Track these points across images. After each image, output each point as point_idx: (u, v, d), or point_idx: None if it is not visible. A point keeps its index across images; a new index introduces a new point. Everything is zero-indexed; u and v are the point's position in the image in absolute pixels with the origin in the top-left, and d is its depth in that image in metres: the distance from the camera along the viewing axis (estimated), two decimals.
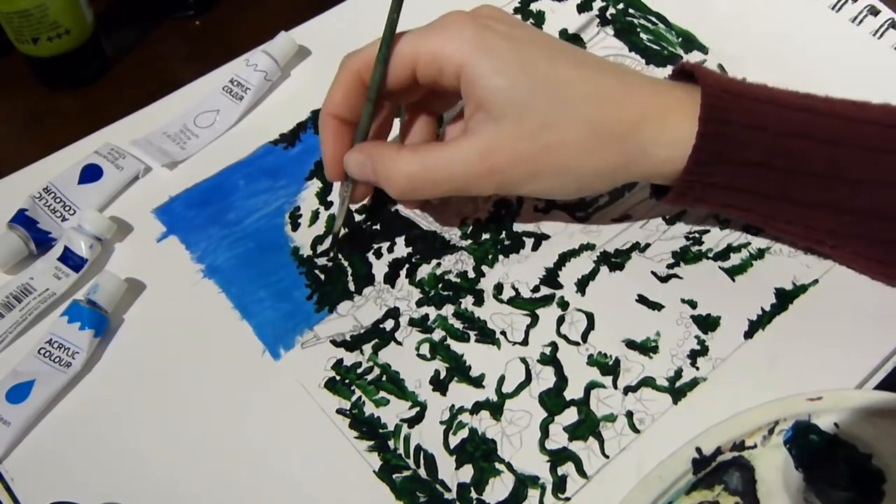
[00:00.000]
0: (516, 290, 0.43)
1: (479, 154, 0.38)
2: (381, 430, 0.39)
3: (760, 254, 0.44)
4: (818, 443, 0.35)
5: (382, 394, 0.40)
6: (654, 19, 0.55)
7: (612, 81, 0.39)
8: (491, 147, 0.38)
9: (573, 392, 0.40)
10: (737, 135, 0.37)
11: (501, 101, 0.37)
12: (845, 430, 0.35)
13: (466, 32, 0.38)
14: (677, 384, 0.40)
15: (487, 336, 0.42)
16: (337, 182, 0.44)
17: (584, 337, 0.42)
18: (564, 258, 0.44)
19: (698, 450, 0.35)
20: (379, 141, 0.43)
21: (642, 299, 0.43)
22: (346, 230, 0.45)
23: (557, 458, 0.38)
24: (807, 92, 0.39)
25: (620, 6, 0.56)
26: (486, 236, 0.45)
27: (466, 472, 0.38)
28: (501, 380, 0.41)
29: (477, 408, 0.40)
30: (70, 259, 0.44)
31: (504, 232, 0.46)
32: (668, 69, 0.52)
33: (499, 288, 0.44)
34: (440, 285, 0.44)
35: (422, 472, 0.38)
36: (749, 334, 0.41)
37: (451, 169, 0.39)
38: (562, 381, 0.40)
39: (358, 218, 0.47)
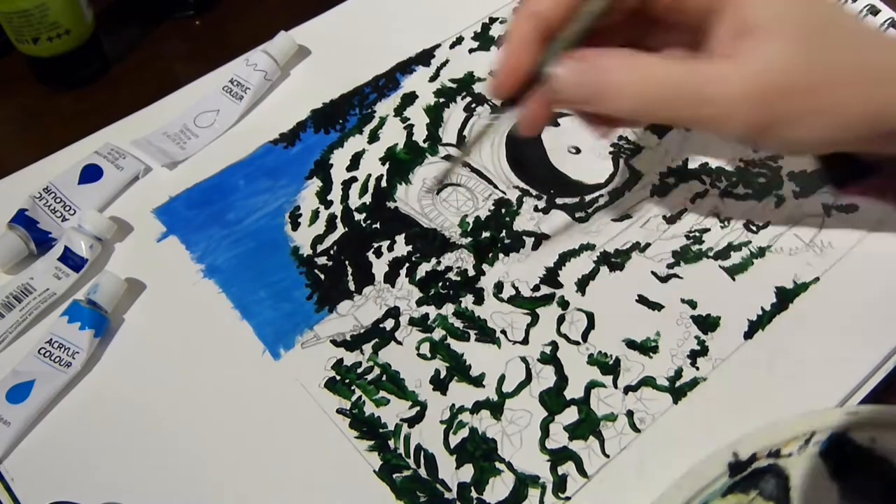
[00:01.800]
0: (516, 289, 0.43)
1: (752, 75, 0.31)
2: (381, 430, 0.39)
3: (761, 252, 0.44)
4: (853, 455, 0.35)
5: (382, 393, 0.40)
6: None
7: (876, 29, 0.34)
8: (762, 72, 0.32)
9: (573, 391, 0.40)
10: None
11: (780, 21, 0.32)
12: (881, 444, 0.35)
13: None
14: (677, 384, 0.40)
15: (488, 335, 0.42)
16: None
17: (585, 336, 0.42)
18: (564, 258, 0.44)
19: (735, 454, 0.35)
20: (602, 49, 0.34)
21: (642, 299, 0.43)
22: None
23: (558, 457, 0.38)
24: None
25: None
26: (486, 234, 0.45)
27: (467, 472, 0.38)
28: (502, 379, 0.41)
29: (477, 407, 0.40)
30: (70, 259, 0.44)
31: (504, 231, 0.46)
32: None
33: (499, 287, 0.44)
34: (440, 284, 0.44)
35: (422, 471, 0.38)
36: (749, 334, 0.41)
37: (712, 87, 0.32)
38: (562, 380, 0.40)
39: (358, 217, 0.47)
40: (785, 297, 0.42)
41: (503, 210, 0.46)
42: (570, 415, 0.39)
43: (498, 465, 0.38)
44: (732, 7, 0.32)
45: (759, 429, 0.35)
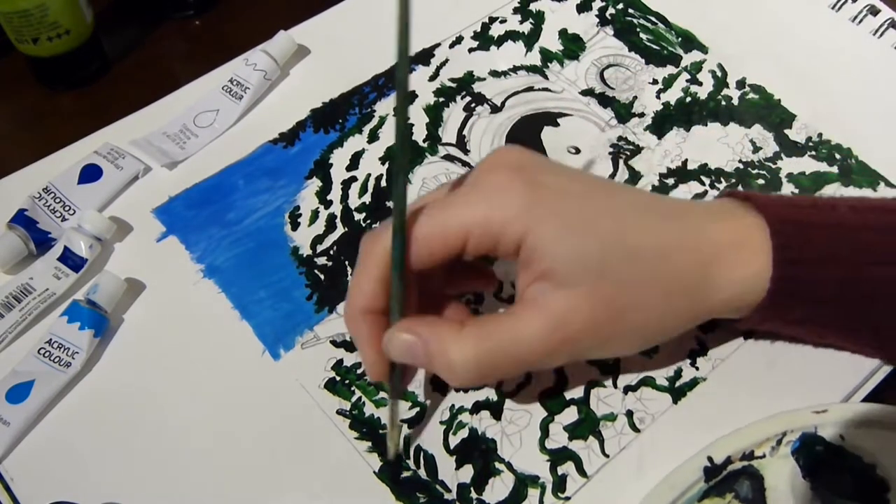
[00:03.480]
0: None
1: (553, 326, 0.33)
2: (381, 431, 0.39)
3: None
4: (824, 453, 0.36)
5: (382, 394, 0.40)
6: (653, 19, 0.55)
7: (677, 227, 0.36)
8: (565, 317, 0.33)
9: (573, 391, 0.40)
10: (810, 274, 0.35)
11: (572, 268, 0.33)
12: (850, 441, 0.36)
13: (519, 193, 0.33)
14: (677, 384, 0.40)
15: None
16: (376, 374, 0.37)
17: None
18: None
19: (709, 458, 0.36)
20: (428, 316, 0.36)
21: None
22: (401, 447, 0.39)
23: (557, 457, 0.38)
24: (861, 196, 0.37)
25: (620, 6, 0.56)
26: None
27: (466, 472, 0.38)
28: None
29: (477, 407, 0.40)
30: (70, 259, 0.44)
31: None
32: (668, 69, 0.52)
33: (499, 286, 0.44)
34: None
35: (422, 472, 0.38)
36: (749, 334, 0.41)
37: (521, 347, 0.34)
38: (562, 380, 0.40)
39: (358, 216, 0.47)
40: None
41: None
42: (570, 415, 0.39)
43: (498, 465, 0.38)
44: (535, 254, 0.33)
45: (732, 432, 0.36)
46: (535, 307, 0.34)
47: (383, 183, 0.48)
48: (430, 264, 0.34)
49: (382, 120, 0.50)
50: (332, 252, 0.45)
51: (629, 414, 0.39)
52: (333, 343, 0.42)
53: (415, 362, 0.35)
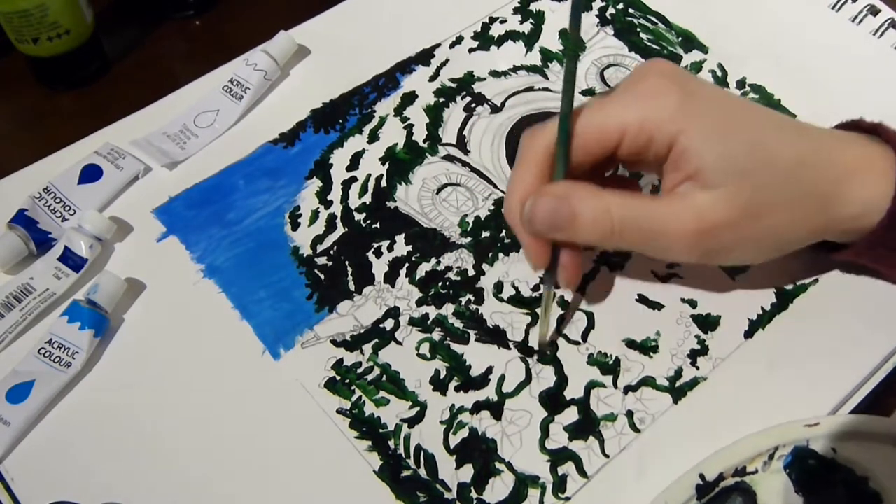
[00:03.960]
0: (516, 288, 0.43)
1: (694, 216, 0.36)
2: (381, 430, 0.39)
3: None
4: (817, 467, 0.36)
5: (382, 394, 0.40)
6: (653, 19, 0.55)
7: (811, 144, 0.38)
8: (706, 211, 0.36)
9: (573, 391, 0.40)
10: None
11: (718, 169, 0.36)
12: (842, 454, 0.36)
13: (674, 98, 0.36)
14: (677, 384, 0.40)
15: (488, 335, 0.42)
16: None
17: (585, 336, 0.42)
18: None
19: (701, 476, 0.36)
20: (574, 181, 0.38)
21: (642, 299, 0.43)
22: (555, 333, 0.41)
23: (558, 457, 0.38)
24: None
25: (620, 6, 0.56)
26: (486, 234, 0.45)
27: (466, 472, 0.38)
28: (501, 379, 0.41)
29: (477, 407, 0.40)
30: (70, 259, 0.44)
31: (504, 230, 0.46)
32: None
33: (499, 286, 0.44)
34: (440, 284, 0.44)
35: (422, 472, 0.38)
36: (749, 334, 0.41)
37: (661, 223, 0.36)
38: (562, 380, 0.40)
39: (358, 217, 0.47)
40: (785, 298, 0.42)
41: (503, 209, 0.46)
42: (570, 415, 0.39)
43: (498, 465, 0.38)
44: (685, 154, 0.36)
45: (724, 448, 0.36)
46: (679, 198, 0.36)
47: (383, 183, 0.48)
48: (585, 160, 0.37)
49: (382, 120, 0.50)
50: (332, 252, 0.45)
51: (629, 414, 0.39)
52: (333, 343, 0.42)
53: (559, 225, 0.37)
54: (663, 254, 0.38)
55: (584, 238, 0.37)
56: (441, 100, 0.51)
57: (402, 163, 0.49)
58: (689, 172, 0.36)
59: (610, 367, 0.41)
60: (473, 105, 0.51)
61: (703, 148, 0.36)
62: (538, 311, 0.42)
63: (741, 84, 0.51)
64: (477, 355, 0.41)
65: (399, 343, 0.42)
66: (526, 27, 0.55)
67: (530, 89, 0.52)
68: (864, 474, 0.36)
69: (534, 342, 0.41)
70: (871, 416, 0.37)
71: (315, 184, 0.48)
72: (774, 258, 0.39)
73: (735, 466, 0.36)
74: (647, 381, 0.40)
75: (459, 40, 0.54)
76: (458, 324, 0.42)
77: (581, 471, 0.38)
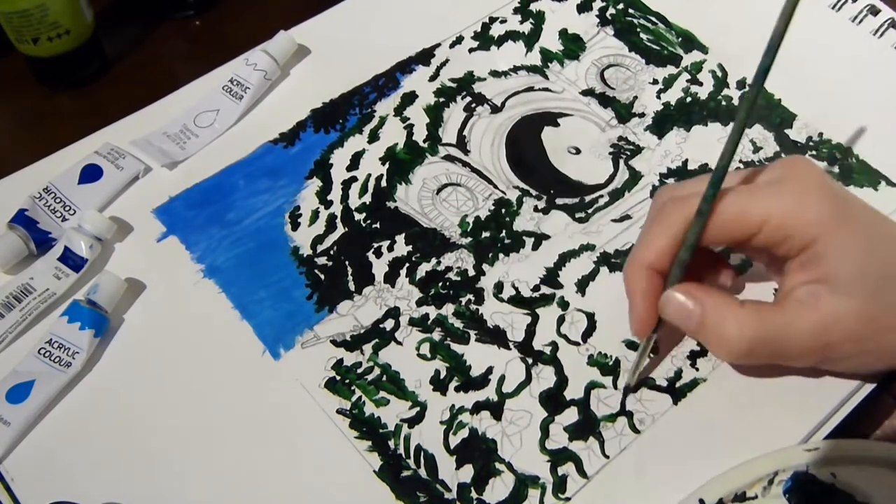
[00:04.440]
0: (517, 289, 0.43)
1: (822, 328, 0.36)
2: (381, 430, 0.39)
3: None
4: (816, 492, 0.36)
5: (382, 394, 0.40)
6: (653, 19, 0.55)
7: None
8: (829, 323, 0.36)
9: (573, 392, 0.40)
10: None
11: (853, 281, 0.35)
12: (842, 479, 0.36)
13: (824, 201, 0.36)
14: (677, 385, 0.40)
15: (488, 335, 0.42)
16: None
17: (585, 337, 0.42)
18: (564, 258, 0.44)
19: (701, 501, 0.36)
20: (709, 287, 0.38)
21: None
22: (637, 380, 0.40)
23: (558, 458, 0.38)
24: None
25: (620, 6, 0.56)
26: (486, 234, 0.45)
27: (466, 472, 0.38)
28: (501, 379, 0.41)
29: (477, 408, 0.40)
30: (70, 259, 0.44)
31: (504, 230, 0.46)
32: (668, 69, 0.52)
33: (499, 287, 0.44)
34: (440, 284, 0.44)
35: (422, 472, 0.38)
36: None
37: (789, 340, 0.36)
38: (562, 380, 0.40)
39: (358, 217, 0.47)
40: None
41: (503, 210, 0.46)
42: (570, 415, 0.39)
43: (498, 465, 0.38)
44: (822, 259, 0.36)
45: (724, 473, 0.36)
46: (808, 307, 0.36)
47: (383, 183, 0.48)
48: (720, 243, 0.38)
49: (383, 120, 0.50)
50: (332, 252, 0.45)
51: (629, 415, 0.39)
52: (333, 343, 0.42)
53: (684, 325, 0.37)
54: (787, 363, 0.38)
55: (710, 348, 0.38)
56: (441, 100, 0.51)
57: (402, 163, 0.49)
58: (818, 276, 0.36)
59: (610, 368, 0.41)
60: (473, 105, 0.51)
61: (842, 256, 0.35)
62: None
63: (741, 84, 0.51)
64: (477, 355, 0.41)
65: (399, 343, 0.42)
66: (526, 27, 0.55)
67: (530, 89, 0.52)
68: (864, 500, 0.35)
69: (621, 381, 0.40)
70: (870, 441, 0.37)
71: (315, 184, 0.48)
72: (883, 371, 0.39)
73: (735, 492, 0.36)
74: (647, 382, 0.40)
75: (459, 40, 0.54)
76: (458, 324, 0.42)
77: (581, 471, 0.38)
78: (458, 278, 0.44)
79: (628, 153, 0.49)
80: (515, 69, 0.53)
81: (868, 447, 0.36)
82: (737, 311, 0.36)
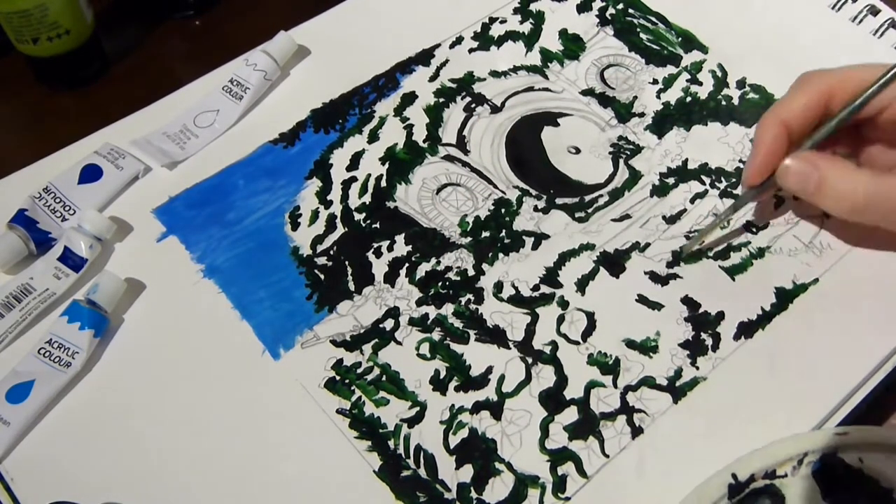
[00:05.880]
0: (516, 288, 0.43)
1: None
2: (381, 430, 0.39)
3: (760, 253, 0.44)
4: (843, 476, 0.36)
5: (382, 394, 0.40)
6: (653, 19, 0.55)
7: None
8: None
9: (573, 391, 0.40)
10: None
11: None
12: (869, 464, 0.36)
13: None
14: (677, 384, 0.40)
15: (487, 335, 0.42)
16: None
17: (585, 336, 0.42)
18: (564, 258, 0.44)
19: (734, 476, 0.36)
20: (826, 154, 0.42)
21: (642, 299, 0.43)
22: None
23: (557, 457, 0.38)
24: None
25: (620, 6, 0.56)
26: (485, 234, 0.45)
27: (466, 472, 0.38)
28: (501, 379, 0.41)
29: (477, 407, 0.40)
30: (70, 259, 0.44)
31: (504, 230, 0.46)
32: (668, 69, 0.52)
33: (499, 287, 0.44)
34: (440, 284, 0.44)
35: (422, 472, 0.38)
36: (749, 334, 0.41)
37: None
38: (562, 380, 0.40)
39: (358, 217, 0.47)
40: (785, 298, 0.42)
41: (503, 210, 0.46)
42: (570, 415, 0.39)
43: (498, 465, 0.38)
44: None
45: (757, 450, 0.37)
46: None
47: (383, 183, 0.48)
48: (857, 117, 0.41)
49: (382, 120, 0.51)
50: (332, 252, 0.45)
51: (629, 414, 0.39)
52: (333, 343, 0.42)
53: (803, 189, 0.41)
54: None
55: (828, 207, 0.41)
56: (441, 100, 0.51)
57: (402, 163, 0.49)
58: None
59: (610, 367, 0.41)
60: (473, 105, 0.51)
61: None
62: (706, 223, 0.45)
63: (741, 84, 0.51)
64: (477, 355, 0.41)
65: (399, 343, 0.42)
66: (526, 27, 0.55)
67: (530, 89, 0.52)
68: (889, 486, 0.36)
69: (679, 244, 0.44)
70: None
71: (315, 184, 0.48)
72: None
73: (766, 469, 0.36)
74: (647, 381, 0.40)
75: (459, 40, 0.54)
76: (457, 324, 0.42)
77: (581, 471, 0.38)
78: (458, 278, 0.44)
79: (628, 153, 0.49)
80: (515, 69, 0.53)
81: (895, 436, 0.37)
82: (854, 170, 0.40)
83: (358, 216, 0.47)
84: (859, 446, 0.36)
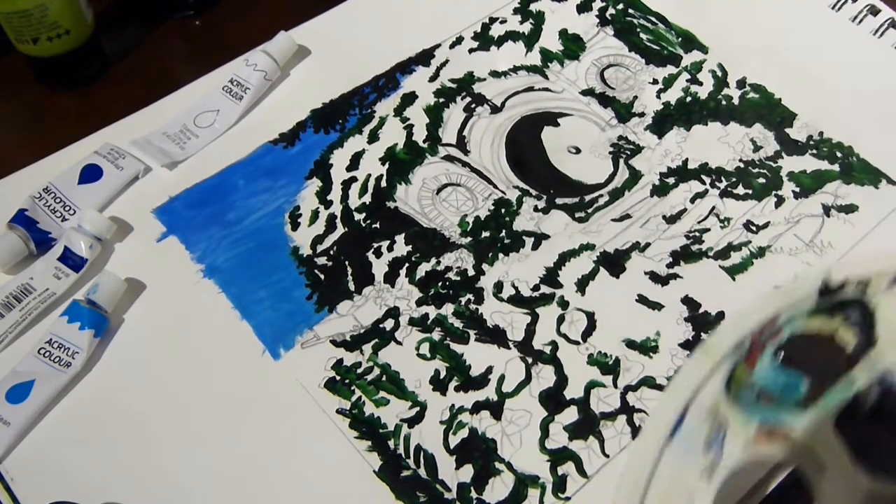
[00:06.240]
0: (516, 288, 0.43)
1: None
2: (381, 430, 0.39)
3: (761, 252, 0.44)
4: None
5: (382, 394, 0.40)
6: (653, 19, 0.55)
7: None
8: None
9: (573, 391, 0.40)
10: None
11: None
12: None
13: None
14: None
15: (487, 335, 0.42)
16: None
17: (585, 336, 0.42)
18: (564, 258, 0.44)
19: (825, 280, 0.33)
20: None
21: (642, 299, 0.43)
22: None
23: (557, 457, 0.38)
24: None
25: (620, 6, 0.56)
26: (485, 234, 0.45)
27: (466, 472, 0.38)
28: (501, 379, 0.41)
29: (477, 407, 0.40)
30: (70, 259, 0.44)
31: (504, 230, 0.46)
32: (668, 69, 0.52)
33: (499, 286, 0.44)
34: (440, 284, 0.44)
35: (422, 472, 0.38)
36: None
37: None
38: (562, 380, 0.40)
39: (358, 217, 0.47)
40: None
41: (503, 210, 0.46)
42: (570, 415, 0.39)
43: (498, 465, 0.38)
44: None
45: (854, 258, 0.35)
46: None
47: (383, 183, 0.48)
48: None
49: (382, 120, 0.51)
50: (332, 252, 0.45)
51: (629, 414, 0.39)
52: (333, 343, 0.42)
53: None
54: None
55: None
56: (441, 100, 0.51)
57: (402, 163, 0.49)
58: None
59: (610, 367, 0.41)
60: (473, 105, 0.51)
61: None
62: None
63: (741, 83, 0.51)
64: (477, 355, 0.41)
65: (399, 343, 0.42)
66: (526, 27, 0.55)
67: (530, 89, 0.52)
68: None
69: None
70: None
71: (315, 184, 0.48)
72: None
73: (860, 279, 0.34)
74: (647, 381, 0.40)
75: (459, 41, 0.54)
76: (457, 324, 0.42)
77: (581, 471, 0.38)
78: (458, 278, 0.44)
79: (628, 153, 0.49)
80: (515, 69, 0.53)
81: None
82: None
83: (358, 216, 0.47)
84: None
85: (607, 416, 0.39)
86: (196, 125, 0.50)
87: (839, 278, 0.34)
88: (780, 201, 0.46)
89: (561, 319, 0.42)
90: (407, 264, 0.45)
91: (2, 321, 0.42)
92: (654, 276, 0.44)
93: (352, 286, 0.44)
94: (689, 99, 0.51)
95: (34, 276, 0.44)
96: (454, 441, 0.39)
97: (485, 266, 0.44)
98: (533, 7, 0.56)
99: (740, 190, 0.47)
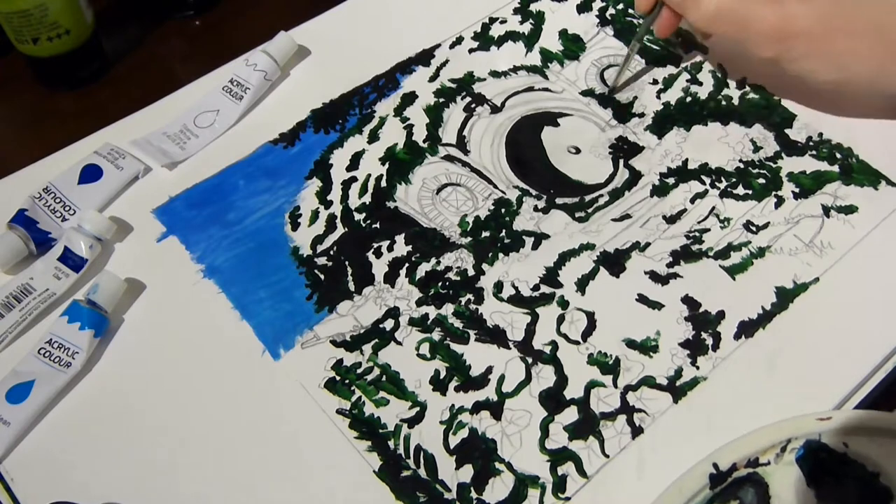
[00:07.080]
0: (516, 288, 0.43)
1: (780, 18, 0.44)
2: (381, 430, 0.39)
3: (761, 252, 0.44)
4: (828, 461, 0.36)
5: (382, 394, 0.40)
6: None
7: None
8: (790, 17, 0.43)
9: (573, 391, 0.40)
10: None
11: None
12: (854, 449, 0.36)
13: None
14: (678, 383, 0.40)
15: (487, 335, 0.42)
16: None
17: (585, 336, 0.42)
18: (564, 258, 0.44)
19: (715, 465, 0.36)
20: None
21: (642, 299, 0.43)
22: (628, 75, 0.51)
23: (557, 457, 0.38)
24: None
25: (620, 6, 0.56)
26: (485, 234, 0.45)
27: (466, 472, 0.38)
28: (501, 379, 0.41)
29: (477, 407, 0.40)
30: (70, 259, 0.44)
31: (504, 230, 0.46)
32: (668, 69, 0.52)
33: (499, 286, 0.44)
34: (440, 284, 0.44)
35: (422, 472, 0.38)
36: (749, 334, 0.41)
37: (752, 17, 0.44)
38: (562, 380, 0.40)
39: (358, 217, 0.47)
40: (785, 297, 0.42)
41: (503, 210, 0.46)
42: (570, 415, 0.39)
43: (498, 465, 0.38)
44: None
45: (737, 439, 0.36)
46: (775, 2, 0.44)
47: (383, 183, 0.48)
48: None
49: (382, 120, 0.51)
50: (332, 252, 0.45)
51: (629, 413, 0.39)
52: (333, 343, 0.42)
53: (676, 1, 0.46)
54: (749, 46, 0.45)
55: (689, 16, 0.46)
56: (441, 100, 0.51)
57: (402, 163, 0.49)
58: None
59: (610, 367, 0.41)
60: (473, 105, 0.51)
61: None
62: (622, 56, 0.52)
63: (741, 84, 0.51)
64: (477, 355, 0.41)
65: (399, 343, 0.42)
66: (526, 27, 0.55)
67: (530, 89, 0.52)
68: (874, 470, 0.35)
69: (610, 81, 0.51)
70: (883, 412, 0.37)
71: (315, 184, 0.48)
72: (834, 82, 0.45)
73: (748, 457, 0.36)
74: (647, 381, 0.40)
75: (459, 40, 0.54)
76: (457, 324, 0.42)
77: (581, 471, 0.38)
78: (458, 278, 0.44)
79: (628, 152, 0.49)
80: (515, 69, 0.53)
81: (880, 418, 0.36)
82: None
83: (358, 216, 0.47)
84: (843, 431, 0.36)
85: (607, 416, 0.39)
86: (196, 125, 0.50)
87: (728, 462, 0.36)
88: (779, 202, 0.46)
89: (561, 319, 0.42)
90: (407, 264, 0.45)
91: (2, 321, 0.42)
92: (655, 276, 0.44)
93: (352, 286, 0.44)
94: (689, 99, 0.51)
95: (34, 276, 0.44)
96: (454, 441, 0.39)
97: (485, 266, 0.44)
98: (533, 7, 0.56)
99: (740, 190, 0.47)
